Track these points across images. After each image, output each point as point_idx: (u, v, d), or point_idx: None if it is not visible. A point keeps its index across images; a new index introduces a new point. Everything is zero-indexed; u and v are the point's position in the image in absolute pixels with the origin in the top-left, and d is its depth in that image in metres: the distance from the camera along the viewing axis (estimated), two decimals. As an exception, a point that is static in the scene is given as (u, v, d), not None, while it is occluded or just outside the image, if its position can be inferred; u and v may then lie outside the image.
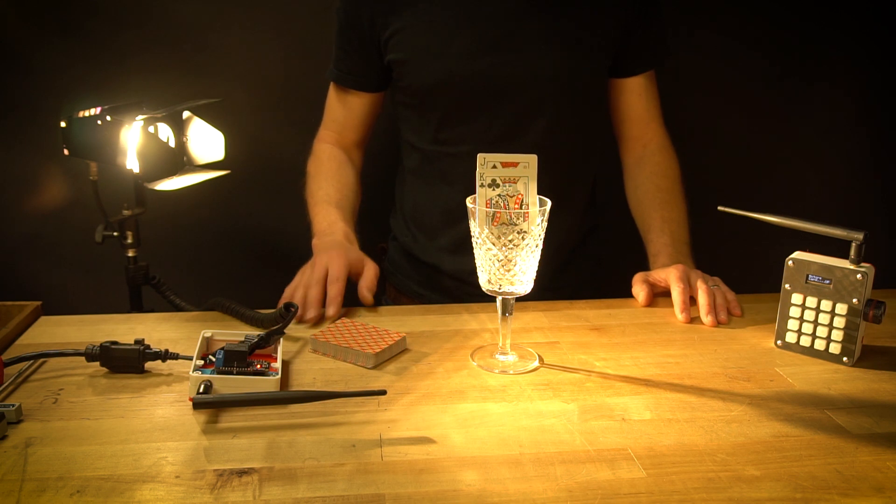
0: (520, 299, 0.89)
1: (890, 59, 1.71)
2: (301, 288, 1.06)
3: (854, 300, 0.89)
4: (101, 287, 1.54)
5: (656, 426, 0.77)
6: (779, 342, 0.96)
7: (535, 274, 0.87)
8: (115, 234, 1.19)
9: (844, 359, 0.91)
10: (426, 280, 1.31)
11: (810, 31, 1.67)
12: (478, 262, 0.87)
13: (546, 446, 0.73)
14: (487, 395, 0.83)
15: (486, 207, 0.84)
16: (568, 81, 1.19)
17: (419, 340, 0.97)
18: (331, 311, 1.03)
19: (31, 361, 0.88)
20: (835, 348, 0.92)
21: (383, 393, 0.79)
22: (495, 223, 0.83)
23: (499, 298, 0.89)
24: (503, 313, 0.90)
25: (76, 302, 1.58)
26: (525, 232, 0.83)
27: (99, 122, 1.11)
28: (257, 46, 1.55)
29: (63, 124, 1.13)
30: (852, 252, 0.89)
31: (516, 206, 0.85)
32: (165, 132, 1.17)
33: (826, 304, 0.92)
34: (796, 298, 0.94)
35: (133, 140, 1.10)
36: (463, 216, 0.86)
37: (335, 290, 1.04)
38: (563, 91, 1.19)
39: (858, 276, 0.89)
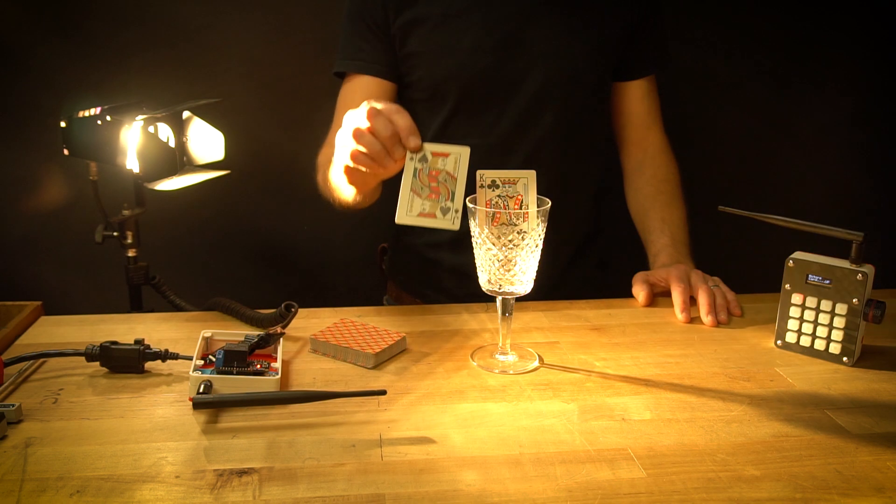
0: (520, 299, 0.89)
1: (889, 59, 1.71)
2: (357, 134, 0.85)
3: (854, 300, 0.89)
4: (101, 287, 1.54)
5: (656, 426, 0.77)
6: (779, 342, 0.96)
7: (535, 274, 0.87)
8: (115, 234, 1.19)
9: (844, 359, 0.91)
10: (428, 278, 1.31)
11: (810, 32, 1.67)
12: (478, 262, 0.87)
13: (546, 446, 0.73)
14: (487, 395, 0.83)
15: (486, 208, 0.84)
16: (575, 80, 1.19)
17: (419, 340, 0.97)
18: (415, 141, 0.84)
19: (31, 361, 0.88)
20: (835, 348, 0.92)
21: (383, 393, 0.79)
22: (495, 223, 0.83)
23: (499, 298, 0.89)
24: (503, 313, 0.90)
25: (76, 302, 1.58)
26: (525, 232, 0.83)
27: (99, 122, 1.11)
28: (257, 46, 1.55)
29: (63, 124, 1.13)
30: (852, 252, 0.89)
31: (516, 206, 0.85)
32: (165, 132, 1.17)
33: (826, 304, 0.92)
34: (796, 298, 0.94)
35: (133, 140, 1.10)
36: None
37: (405, 120, 0.84)
38: (570, 89, 1.19)
39: (858, 276, 0.89)
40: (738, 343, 0.98)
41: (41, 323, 1.01)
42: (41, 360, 0.89)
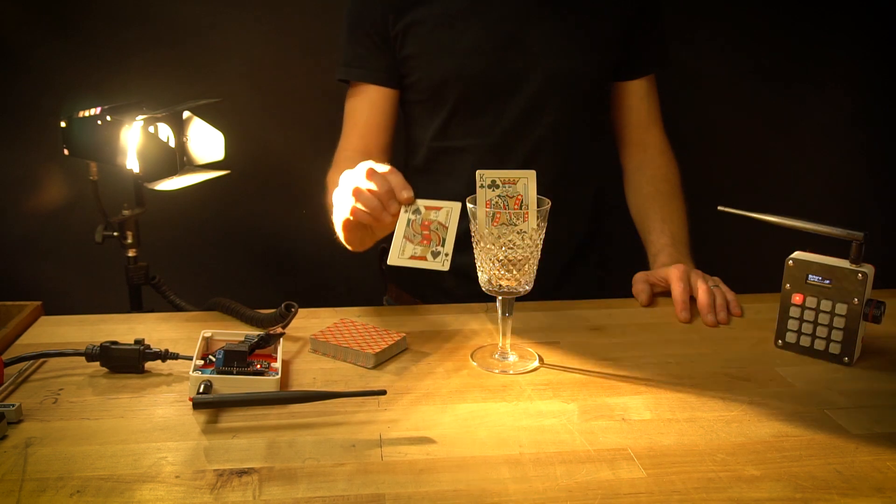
0: (520, 299, 0.89)
1: (889, 59, 1.71)
2: (356, 192, 0.93)
3: (854, 300, 0.89)
4: (101, 287, 1.54)
5: (656, 426, 0.77)
6: (779, 342, 0.96)
7: (535, 274, 0.87)
8: (115, 234, 1.19)
9: (845, 359, 0.91)
10: (427, 279, 1.31)
11: (810, 32, 1.67)
12: (478, 262, 0.87)
13: (546, 446, 0.73)
14: (487, 395, 0.83)
15: (486, 208, 0.84)
16: (574, 80, 1.19)
17: (419, 340, 0.97)
18: (407, 194, 0.92)
19: (31, 361, 0.88)
20: (835, 348, 0.92)
21: (383, 393, 0.79)
22: (495, 223, 0.83)
23: (499, 298, 0.89)
24: (503, 313, 0.90)
25: (76, 302, 1.58)
26: (525, 232, 0.83)
27: (99, 122, 1.11)
28: (257, 46, 1.55)
29: (63, 124, 1.13)
30: (852, 252, 0.89)
31: (516, 206, 0.85)
32: (165, 132, 1.17)
33: (826, 305, 0.92)
34: (796, 298, 0.94)
35: (133, 140, 1.10)
36: (463, 212, 0.86)
37: (398, 178, 0.93)
38: (569, 90, 1.19)
39: (858, 276, 0.89)
40: (738, 343, 0.98)
41: (41, 323, 1.01)
42: (41, 360, 0.89)
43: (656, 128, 1.31)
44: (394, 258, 0.87)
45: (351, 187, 0.93)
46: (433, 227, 0.87)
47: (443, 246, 0.85)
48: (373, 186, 0.91)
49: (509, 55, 1.16)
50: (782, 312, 0.95)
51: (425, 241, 0.87)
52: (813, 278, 0.92)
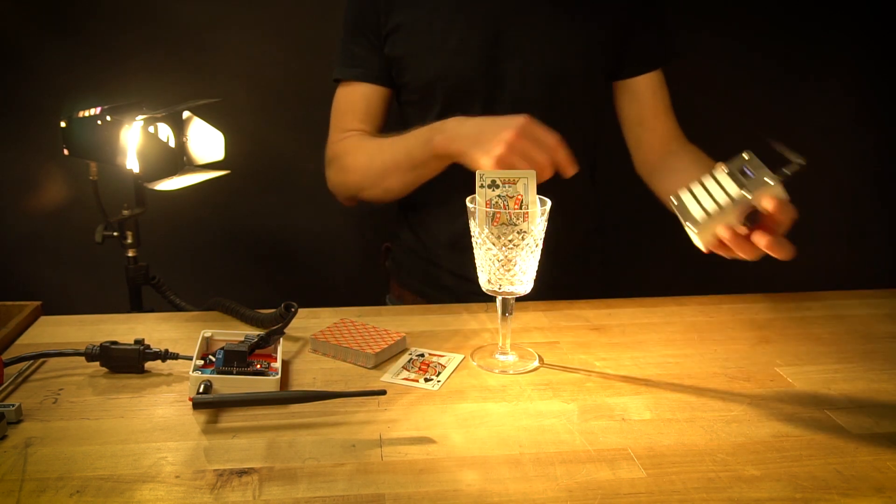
0: (520, 299, 0.89)
1: (890, 58, 1.71)
2: (526, 154, 0.95)
3: (749, 196, 0.81)
4: (101, 287, 1.54)
5: (656, 426, 0.77)
6: (674, 201, 0.88)
7: (535, 274, 0.87)
8: (115, 234, 1.19)
9: (688, 224, 0.84)
10: (427, 277, 1.31)
11: (811, 31, 1.67)
12: (478, 262, 0.87)
13: (546, 446, 0.73)
14: (487, 395, 0.83)
15: (486, 208, 0.84)
16: (564, 79, 1.19)
17: (419, 340, 0.97)
18: (573, 169, 0.96)
19: (31, 361, 0.88)
20: (698, 214, 0.83)
21: (383, 393, 0.79)
22: (495, 223, 0.83)
23: (499, 298, 0.89)
24: (503, 313, 0.90)
25: (76, 302, 1.57)
26: (525, 232, 0.83)
27: (99, 122, 1.11)
28: (257, 46, 1.55)
29: (63, 124, 1.13)
30: (785, 169, 0.82)
31: (516, 206, 0.85)
32: (165, 132, 1.17)
33: (731, 187, 0.83)
34: (720, 175, 0.85)
35: (133, 140, 1.10)
36: (462, 212, 0.86)
37: (564, 153, 0.97)
38: (560, 88, 1.19)
39: (771, 181, 0.81)
40: (738, 343, 0.98)
41: (41, 323, 1.01)
42: (41, 360, 0.89)
43: (672, 122, 1.27)
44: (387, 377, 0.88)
45: (519, 128, 0.96)
46: (432, 365, 0.90)
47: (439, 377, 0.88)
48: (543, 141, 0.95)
49: (496, 55, 1.16)
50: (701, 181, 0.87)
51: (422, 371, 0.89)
52: (747, 171, 0.84)
